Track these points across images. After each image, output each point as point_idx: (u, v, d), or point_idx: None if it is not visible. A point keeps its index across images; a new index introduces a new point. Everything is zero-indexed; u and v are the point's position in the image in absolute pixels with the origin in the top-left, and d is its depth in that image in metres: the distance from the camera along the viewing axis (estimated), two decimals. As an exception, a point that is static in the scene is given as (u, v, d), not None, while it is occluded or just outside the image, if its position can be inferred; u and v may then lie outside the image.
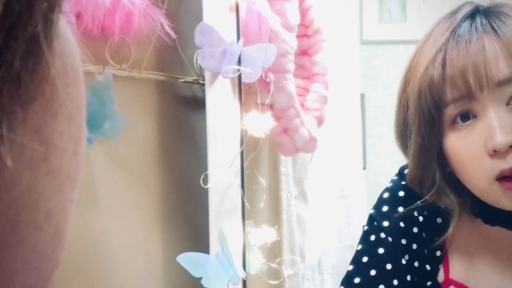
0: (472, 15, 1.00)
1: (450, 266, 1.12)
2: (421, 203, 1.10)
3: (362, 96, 2.29)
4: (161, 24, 1.03)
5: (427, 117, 0.98)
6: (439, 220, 1.12)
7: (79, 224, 0.97)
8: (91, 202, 1.00)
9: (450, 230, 1.09)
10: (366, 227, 1.13)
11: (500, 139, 0.92)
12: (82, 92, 0.37)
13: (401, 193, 1.13)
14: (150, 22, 1.01)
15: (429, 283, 1.11)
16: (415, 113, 1.00)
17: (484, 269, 1.11)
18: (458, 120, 0.98)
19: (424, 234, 1.11)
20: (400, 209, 1.11)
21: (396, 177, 1.17)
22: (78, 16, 0.90)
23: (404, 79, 1.05)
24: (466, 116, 0.97)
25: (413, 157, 1.03)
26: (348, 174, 2.04)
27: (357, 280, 1.10)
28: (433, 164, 1.02)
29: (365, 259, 1.11)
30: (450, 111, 0.97)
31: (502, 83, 0.94)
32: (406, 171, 1.16)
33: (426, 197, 1.07)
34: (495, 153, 0.94)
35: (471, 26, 0.97)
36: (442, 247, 1.12)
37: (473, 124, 0.97)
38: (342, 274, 1.15)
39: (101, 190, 1.02)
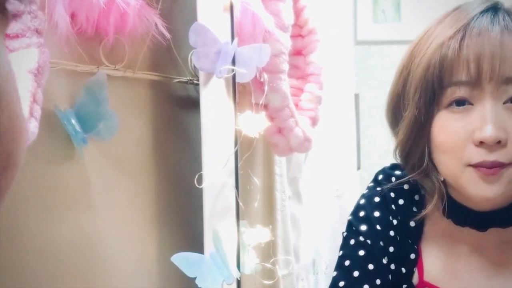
0: (494, 9, 1.01)
1: (424, 269, 1.14)
2: (408, 179, 1.13)
3: (357, 96, 2.29)
4: (156, 24, 1.03)
5: (429, 90, 1.00)
6: (412, 224, 1.14)
7: (74, 224, 0.97)
8: (86, 202, 1.00)
9: (426, 210, 1.12)
10: (345, 233, 1.17)
11: (490, 133, 0.95)
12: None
13: (377, 199, 1.17)
14: (145, 22, 1.01)
15: (404, 286, 1.13)
16: (418, 84, 1.01)
17: (457, 271, 1.13)
18: (454, 104, 0.99)
19: (398, 237, 1.14)
20: (376, 213, 1.14)
21: (372, 184, 1.21)
22: (73, 16, 0.90)
23: (410, 51, 1.06)
24: (462, 102, 0.98)
25: (406, 128, 1.05)
26: (343, 174, 2.05)
27: (341, 283, 1.12)
28: (424, 139, 1.03)
29: (347, 262, 1.13)
30: (450, 92, 0.99)
31: (509, 80, 0.96)
32: (380, 177, 1.19)
33: (412, 175, 1.10)
34: (481, 144, 0.96)
35: (493, 19, 0.99)
36: (416, 250, 1.14)
37: (466, 110, 0.99)
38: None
39: (96, 190, 1.02)
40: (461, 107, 0.98)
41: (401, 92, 1.06)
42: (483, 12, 1.00)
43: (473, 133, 0.97)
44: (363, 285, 1.11)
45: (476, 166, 0.98)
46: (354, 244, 1.15)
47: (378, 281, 1.11)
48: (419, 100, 1.01)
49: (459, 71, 0.97)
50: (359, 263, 1.13)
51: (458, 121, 0.99)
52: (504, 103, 0.97)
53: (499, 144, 0.96)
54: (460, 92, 0.98)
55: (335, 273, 1.15)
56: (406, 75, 1.04)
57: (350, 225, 1.18)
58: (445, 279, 1.13)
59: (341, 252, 1.17)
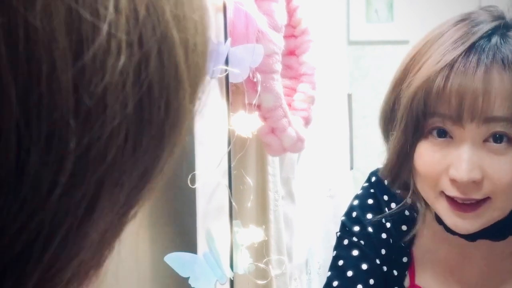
0: (490, 35, 0.98)
1: (416, 273, 1.14)
2: (396, 205, 1.14)
3: (349, 96, 2.30)
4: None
5: (414, 120, 0.99)
6: (404, 227, 1.14)
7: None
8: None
9: (416, 227, 1.12)
10: (339, 233, 1.18)
11: (463, 174, 0.94)
12: None
13: (370, 201, 1.18)
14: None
15: None
16: (404, 112, 1.00)
17: (447, 277, 1.13)
18: (434, 133, 0.98)
19: (391, 240, 1.14)
20: (369, 215, 1.15)
21: (366, 184, 1.21)
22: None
23: (404, 66, 1.05)
24: (443, 133, 0.98)
25: (393, 153, 1.05)
26: (336, 174, 2.05)
27: (335, 283, 1.13)
28: (410, 164, 1.03)
29: (340, 262, 1.14)
30: (433, 121, 0.98)
31: (491, 120, 0.94)
32: (373, 179, 1.19)
33: (405, 200, 1.11)
34: (454, 182, 0.95)
35: (484, 48, 0.96)
36: (409, 254, 1.14)
37: (446, 143, 0.98)
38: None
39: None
40: (440, 139, 0.97)
41: (392, 108, 1.06)
42: (478, 40, 0.97)
43: (449, 167, 0.96)
44: (357, 284, 1.11)
45: (448, 198, 0.98)
46: (348, 244, 1.15)
47: (371, 281, 1.12)
48: (405, 128, 1.00)
49: (443, 106, 0.95)
50: (352, 263, 1.13)
51: (436, 152, 0.98)
52: (484, 141, 0.95)
53: (473, 183, 0.95)
54: (442, 123, 0.97)
55: (329, 273, 1.16)
56: (398, 93, 1.03)
57: (343, 225, 1.19)
58: (435, 285, 1.13)
59: (335, 252, 1.18)
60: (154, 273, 1.17)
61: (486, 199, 0.97)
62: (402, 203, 1.12)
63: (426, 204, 1.06)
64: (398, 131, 1.02)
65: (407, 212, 1.15)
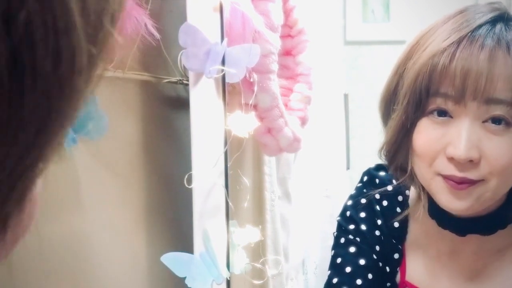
0: (495, 21, 1.01)
1: (406, 269, 1.16)
2: (394, 183, 1.19)
3: (346, 96, 2.30)
4: (145, 25, 1.03)
5: (417, 97, 1.01)
6: (396, 224, 1.17)
7: (63, 224, 0.97)
8: (75, 202, 1.00)
9: (407, 211, 1.17)
10: (335, 233, 1.22)
11: (462, 152, 0.96)
12: None
13: (363, 201, 1.21)
14: (134, 22, 1.01)
15: (388, 284, 1.16)
16: (408, 89, 1.02)
17: (437, 273, 1.16)
18: (435, 113, 1.00)
19: (383, 237, 1.16)
20: (362, 214, 1.18)
21: (359, 184, 1.24)
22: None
23: (409, 49, 1.07)
24: (443, 113, 0.99)
25: (393, 131, 1.07)
26: (332, 174, 2.05)
27: (335, 280, 1.15)
28: (408, 143, 1.05)
29: (339, 260, 1.17)
30: (435, 101, 0.99)
31: (492, 101, 0.96)
32: (365, 178, 1.23)
33: (401, 180, 1.14)
34: (452, 160, 0.97)
35: (487, 34, 0.98)
36: (400, 250, 1.17)
37: (445, 122, 1.00)
38: (326, 274, 1.21)
39: (85, 190, 1.02)
40: (441, 118, 0.99)
41: (394, 90, 1.08)
42: (481, 26, 1.00)
43: (446, 146, 0.98)
44: (356, 279, 1.13)
45: (445, 177, 0.99)
46: (344, 242, 1.18)
47: (370, 276, 1.14)
48: (407, 105, 1.02)
49: (446, 84, 0.97)
50: (350, 259, 1.16)
51: (436, 130, 1.00)
52: (483, 122, 0.97)
53: (470, 162, 0.97)
54: (443, 104, 0.99)
55: (329, 272, 1.19)
56: (402, 72, 1.06)
57: (339, 225, 1.22)
58: (426, 280, 1.15)
59: (333, 251, 1.21)
60: (151, 273, 1.17)
61: (480, 181, 0.99)
62: (398, 183, 1.14)
63: (422, 189, 1.08)
64: (399, 109, 1.05)
65: (398, 209, 1.17)
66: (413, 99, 1.01)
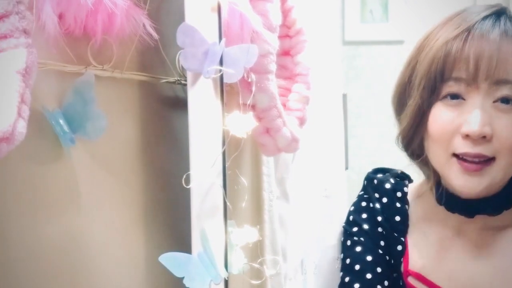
0: (498, 15, 1.11)
1: (409, 259, 1.22)
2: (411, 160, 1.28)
3: (344, 96, 2.29)
4: (143, 25, 1.03)
5: (432, 83, 1.12)
6: (397, 218, 1.24)
7: (61, 224, 0.97)
8: (73, 202, 1.00)
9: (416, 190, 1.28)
10: (342, 239, 1.31)
11: (476, 127, 1.04)
12: None
13: (363, 203, 1.33)
14: (132, 22, 1.01)
15: (394, 275, 1.22)
16: (423, 75, 1.12)
17: (441, 257, 1.21)
18: (448, 97, 1.11)
19: (385, 232, 1.22)
20: (364, 215, 1.26)
21: (361, 192, 1.38)
22: (61, 16, 0.90)
23: (419, 44, 1.17)
24: (456, 97, 1.10)
25: (409, 117, 1.17)
26: (331, 174, 2.05)
27: (347, 279, 1.23)
28: (424, 128, 1.14)
29: (348, 261, 1.24)
30: (449, 85, 1.09)
31: (501, 82, 1.06)
32: (365, 183, 1.32)
33: (414, 163, 1.26)
34: (467, 137, 1.04)
35: (495, 23, 1.09)
36: (403, 242, 1.23)
37: (459, 104, 1.10)
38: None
39: (83, 190, 1.02)
40: (454, 101, 1.08)
41: (408, 81, 1.17)
42: (487, 17, 1.08)
43: (461, 126, 1.06)
44: (365, 274, 1.20)
45: (459, 158, 1.05)
46: (350, 244, 1.29)
47: (379, 269, 1.21)
48: (423, 90, 1.12)
49: (460, 68, 1.07)
50: (358, 257, 1.24)
51: (450, 112, 1.08)
52: (494, 101, 1.07)
53: (484, 138, 1.05)
54: (457, 87, 1.08)
55: (341, 274, 1.30)
56: (414, 64, 1.15)
57: (344, 230, 1.33)
58: (430, 266, 1.21)
59: (342, 255, 1.32)
60: (148, 273, 1.18)
61: (491, 161, 1.07)
62: (409, 164, 1.26)
63: (434, 174, 1.14)
64: (415, 95, 1.14)
65: (398, 204, 1.23)
66: (428, 84, 1.12)
